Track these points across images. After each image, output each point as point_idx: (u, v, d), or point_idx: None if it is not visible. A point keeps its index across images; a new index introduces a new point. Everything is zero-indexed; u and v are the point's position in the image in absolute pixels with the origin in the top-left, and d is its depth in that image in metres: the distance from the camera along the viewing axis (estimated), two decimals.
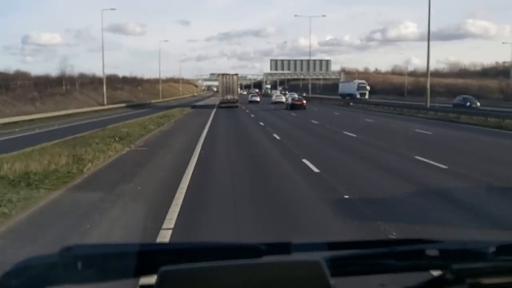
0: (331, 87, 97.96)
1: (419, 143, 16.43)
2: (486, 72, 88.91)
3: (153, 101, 71.38)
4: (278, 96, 61.28)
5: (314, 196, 8.19)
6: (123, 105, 54.58)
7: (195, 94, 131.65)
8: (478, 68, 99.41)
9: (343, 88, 74.60)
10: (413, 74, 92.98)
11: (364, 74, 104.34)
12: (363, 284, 1.30)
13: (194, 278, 0.85)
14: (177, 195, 8.00)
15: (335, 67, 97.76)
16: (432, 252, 0.99)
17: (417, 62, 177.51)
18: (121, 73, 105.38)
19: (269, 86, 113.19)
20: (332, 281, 0.86)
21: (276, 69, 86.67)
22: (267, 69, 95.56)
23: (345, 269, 0.97)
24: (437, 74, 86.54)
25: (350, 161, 12.30)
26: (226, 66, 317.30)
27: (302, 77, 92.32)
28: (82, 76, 66.50)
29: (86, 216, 6.70)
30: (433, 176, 9.93)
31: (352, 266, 0.99)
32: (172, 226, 6.18)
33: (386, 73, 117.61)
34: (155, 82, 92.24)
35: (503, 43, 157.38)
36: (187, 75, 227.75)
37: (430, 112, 32.22)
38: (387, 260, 0.98)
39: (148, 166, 11.80)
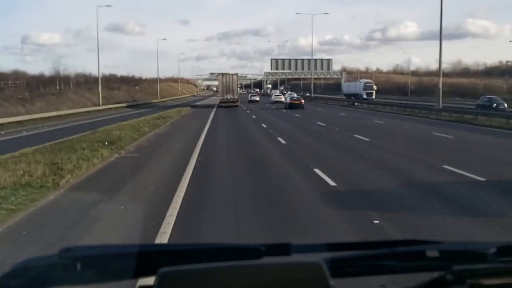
0: (332, 86, 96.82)
1: (443, 149, 14.72)
2: (490, 71, 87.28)
3: (152, 101, 69.78)
4: (278, 95, 60.69)
5: (336, 219, 6.60)
6: (119, 105, 52.72)
7: (195, 93, 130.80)
8: (481, 67, 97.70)
9: (348, 87, 72.57)
10: (415, 73, 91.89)
11: (366, 74, 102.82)
12: (364, 285, 1.29)
13: (193, 279, 0.84)
14: (164, 225, 6.35)
15: (335, 67, 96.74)
16: (432, 253, 0.98)
17: (417, 61, 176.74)
18: (120, 73, 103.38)
19: (270, 85, 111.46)
20: (332, 282, 0.86)
21: (277, 68, 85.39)
22: (267, 68, 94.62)
23: (345, 270, 0.95)
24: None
25: (370, 173, 10.53)
26: (226, 65, 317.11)
27: (303, 76, 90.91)
28: (78, 76, 64.93)
29: (49, 249, 5.09)
30: (472, 192, 8.36)
31: (352, 267, 0.97)
32: None
33: (388, 72, 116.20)
34: (153, 81, 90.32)
35: (510, 41, 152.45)
36: (186, 74, 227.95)
37: (443, 113, 30.48)
38: (388, 261, 0.97)
39: (137, 177, 10.19)
